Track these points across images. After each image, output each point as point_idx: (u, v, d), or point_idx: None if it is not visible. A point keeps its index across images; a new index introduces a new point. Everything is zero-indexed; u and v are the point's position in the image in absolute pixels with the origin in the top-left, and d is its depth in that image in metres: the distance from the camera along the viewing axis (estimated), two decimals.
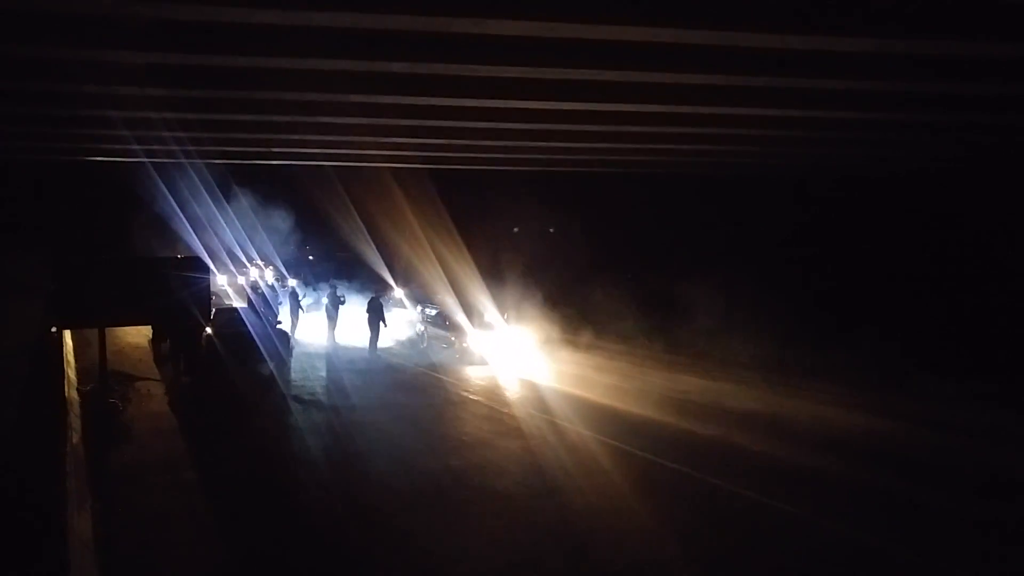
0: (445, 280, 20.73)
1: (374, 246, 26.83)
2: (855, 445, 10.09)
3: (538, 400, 12.76)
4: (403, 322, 21.95)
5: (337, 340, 19.27)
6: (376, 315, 18.36)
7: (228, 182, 29.86)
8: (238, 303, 19.55)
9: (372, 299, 18.89)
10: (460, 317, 17.62)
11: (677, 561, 6.37)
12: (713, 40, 7.25)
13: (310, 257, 29.99)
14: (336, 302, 20.01)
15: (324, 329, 19.77)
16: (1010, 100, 9.71)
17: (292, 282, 25.65)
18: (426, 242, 23.63)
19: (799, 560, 6.45)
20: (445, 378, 15.00)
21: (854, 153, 15.17)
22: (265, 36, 7.34)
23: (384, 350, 18.43)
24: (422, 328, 19.19)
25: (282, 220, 31.27)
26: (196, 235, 27.86)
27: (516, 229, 29.25)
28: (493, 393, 13.50)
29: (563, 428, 10.78)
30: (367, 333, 18.40)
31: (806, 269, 19.16)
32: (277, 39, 7.39)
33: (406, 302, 23.13)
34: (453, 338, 17.41)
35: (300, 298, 22.14)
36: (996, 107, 9.97)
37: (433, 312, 19.29)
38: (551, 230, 28.79)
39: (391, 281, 24.90)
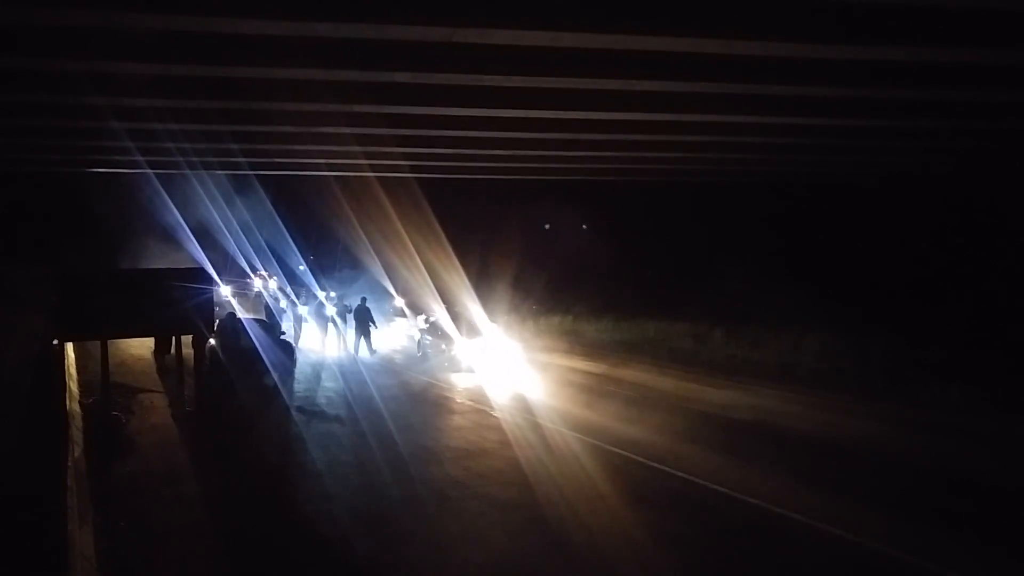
0: (446, 289, 20.93)
1: (375, 257, 26.89)
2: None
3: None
4: (401, 332, 22.15)
5: (350, 350, 19.38)
6: (363, 321, 19.08)
7: (231, 191, 29.92)
8: (243, 314, 19.53)
9: (359, 306, 19.39)
10: (450, 326, 17.89)
11: None
12: (716, 48, 7.24)
13: (300, 267, 29.87)
14: (344, 312, 20.10)
15: (334, 340, 19.87)
16: (1004, 106, 9.73)
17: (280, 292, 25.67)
18: (426, 252, 23.72)
19: None
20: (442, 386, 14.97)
21: (856, 160, 15.16)
22: (269, 47, 7.34)
23: (383, 358, 18.51)
24: (419, 337, 19.41)
25: (287, 230, 31.28)
26: (200, 245, 27.86)
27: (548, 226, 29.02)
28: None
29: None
30: (360, 339, 19.03)
31: (810, 274, 19.14)
32: (280, 50, 7.39)
33: (407, 311, 23.16)
34: (444, 346, 17.73)
35: (303, 308, 22.16)
36: (990, 113, 9.99)
37: (429, 322, 19.63)
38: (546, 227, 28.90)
39: (392, 290, 24.96)
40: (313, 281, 24.96)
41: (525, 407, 12.71)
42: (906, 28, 6.77)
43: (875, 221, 19.33)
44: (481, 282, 22.50)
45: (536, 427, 11.26)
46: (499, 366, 16.44)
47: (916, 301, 17.14)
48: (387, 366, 17.91)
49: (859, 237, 19.75)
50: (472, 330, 17.72)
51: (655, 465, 9.20)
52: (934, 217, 18.06)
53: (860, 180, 18.87)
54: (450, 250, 23.17)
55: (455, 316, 18.28)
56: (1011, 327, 14.72)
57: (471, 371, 16.43)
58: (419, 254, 23.38)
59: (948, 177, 17.25)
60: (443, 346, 17.73)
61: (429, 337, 18.73)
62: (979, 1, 6.47)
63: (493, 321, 18.42)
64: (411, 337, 21.88)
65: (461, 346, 17.15)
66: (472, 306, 18.92)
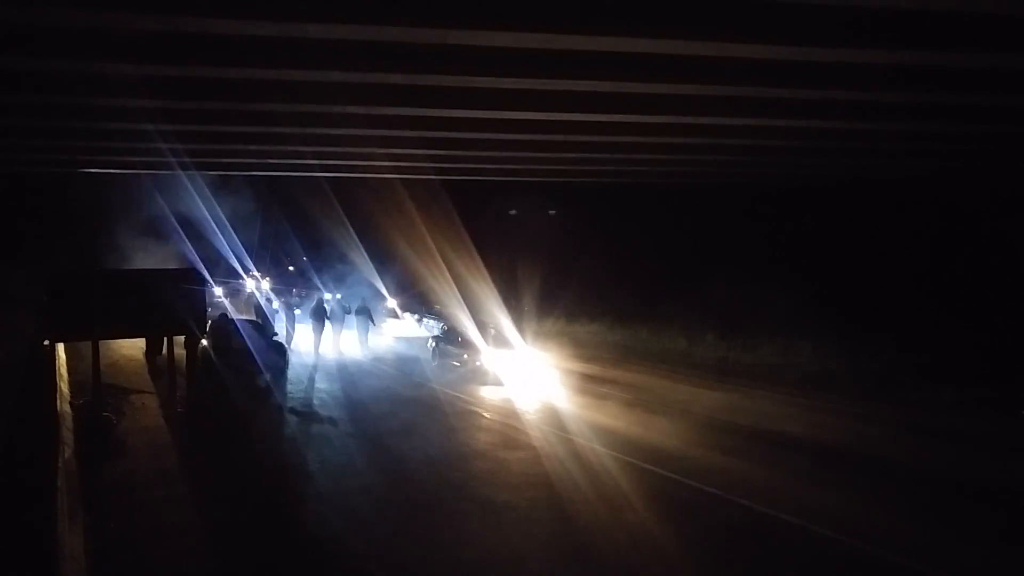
0: (456, 291, 20.27)
1: (366, 256, 26.83)
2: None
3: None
4: (392, 334, 22.03)
5: (342, 350, 19.39)
6: (364, 321, 19.82)
7: (222, 190, 29.83)
8: (235, 315, 19.50)
9: (359, 306, 20.14)
10: (472, 332, 16.51)
11: None
12: (708, 51, 7.28)
13: (290, 268, 29.79)
14: (342, 313, 20.11)
15: (329, 340, 19.87)
16: (999, 110, 9.79)
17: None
18: (432, 250, 23.22)
19: None
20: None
21: (850, 163, 15.22)
22: (262, 48, 7.33)
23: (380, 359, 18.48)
24: (432, 345, 17.98)
25: (281, 230, 31.23)
26: (191, 245, 27.76)
27: (513, 212, 28.70)
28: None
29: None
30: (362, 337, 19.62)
31: (802, 276, 19.21)
32: (274, 51, 7.38)
33: (399, 313, 23.15)
34: (466, 356, 16.09)
35: (295, 308, 22.16)
36: (984, 117, 10.04)
37: (443, 327, 18.76)
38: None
39: (383, 290, 24.93)
40: (309, 281, 25.01)
41: (559, 423, 11.69)
42: (905, 32, 6.79)
43: (867, 224, 19.43)
44: (508, 287, 21.89)
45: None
46: (528, 377, 15.06)
47: (907, 304, 17.24)
48: (387, 368, 17.72)
49: (851, 240, 19.85)
50: (500, 340, 16.30)
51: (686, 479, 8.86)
52: (925, 221, 18.17)
53: (852, 183, 18.96)
54: (475, 253, 22.27)
55: (480, 324, 16.93)
56: (1001, 329, 14.83)
57: (499, 383, 14.90)
58: (443, 256, 22.47)
59: (941, 181, 17.34)
60: (465, 355, 16.07)
61: (446, 345, 17.00)
62: (981, 6, 6.50)
63: (518, 329, 17.08)
64: (398, 338, 21.81)
65: (488, 356, 15.65)
66: (500, 314, 17.78)
